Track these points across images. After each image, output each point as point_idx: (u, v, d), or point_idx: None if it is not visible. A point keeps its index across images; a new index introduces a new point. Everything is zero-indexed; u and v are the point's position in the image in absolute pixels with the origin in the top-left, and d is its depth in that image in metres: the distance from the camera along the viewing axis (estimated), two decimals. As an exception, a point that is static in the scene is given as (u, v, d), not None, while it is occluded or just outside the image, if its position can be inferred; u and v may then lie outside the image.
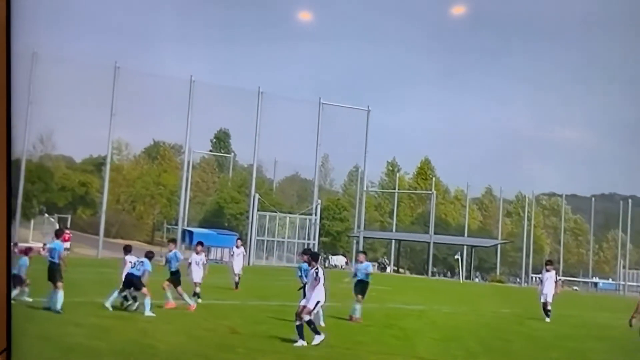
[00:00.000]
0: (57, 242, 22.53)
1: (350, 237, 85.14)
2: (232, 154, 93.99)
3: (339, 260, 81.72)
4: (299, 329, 17.80)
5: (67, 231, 65.04)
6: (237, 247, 36.43)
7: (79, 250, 67.03)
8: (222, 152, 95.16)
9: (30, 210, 64.15)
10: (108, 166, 68.45)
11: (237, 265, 34.88)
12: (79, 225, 73.67)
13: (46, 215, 67.53)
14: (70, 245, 63.28)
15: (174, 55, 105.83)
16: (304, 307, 17.90)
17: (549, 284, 28.57)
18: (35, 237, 61.35)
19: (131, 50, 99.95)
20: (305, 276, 19.49)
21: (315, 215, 75.15)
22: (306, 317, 17.81)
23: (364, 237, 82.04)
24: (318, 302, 18.09)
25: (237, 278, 34.17)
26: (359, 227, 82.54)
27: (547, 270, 29.29)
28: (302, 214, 76.43)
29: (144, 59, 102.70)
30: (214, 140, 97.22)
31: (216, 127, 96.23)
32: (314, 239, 74.15)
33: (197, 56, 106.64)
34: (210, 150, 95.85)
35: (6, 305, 8.32)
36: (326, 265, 79.16)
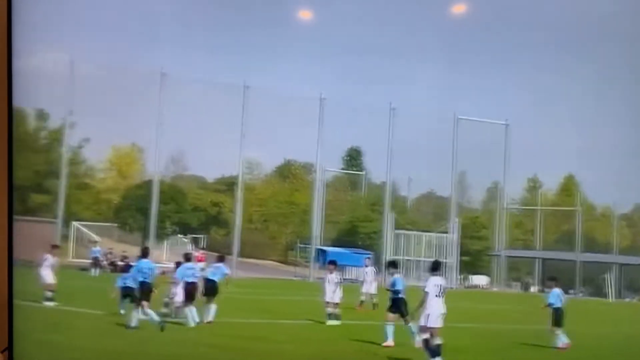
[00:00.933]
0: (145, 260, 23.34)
1: (490, 255, 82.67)
2: (365, 171, 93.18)
3: (480, 280, 79.29)
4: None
5: (202, 252, 66.13)
6: (366, 265, 35.16)
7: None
8: (354, 170, 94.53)
9: (163, 231, 64.90)
10: (240, 186, 69.16)
11: (367, 284, 33.54)
12: (212, 246, 74.12)
13: (180, 235, 68.00)
14: (205, 265, 63.61)
15: (302, 74, 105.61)
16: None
17: None
18: (169, 257, 61.91)
19: (259, 68, 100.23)
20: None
21: (453, 233, 73.59)
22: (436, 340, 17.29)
23: (506, 256, 79.60)
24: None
25: (370, 298, 32.75)
26: (499, 245, 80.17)
27: None
28: (439, 232, 74.79)
29: (272, 77, 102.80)
30: (346, 158, 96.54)
31: (348, 145, 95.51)
32: (453, 258, 72.57)
33: (326, 73, 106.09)
34: (342, 168, 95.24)
35: (7, 305, 8.05)
36: (466, 285, 77.16)
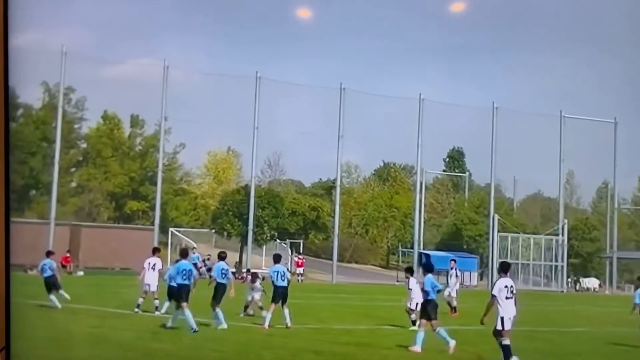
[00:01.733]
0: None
1: (602, 258, 79.60)
2: (468, 173, 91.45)
3: (591, 282, 76.29)
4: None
5: (300, 256, 65.53)
6: (451, 268, 33.14)
7: (313, 275, 66.51)
8: (456, 172, 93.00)
9: (261, 236, 64.31)
10: (338, 189, 68.50)
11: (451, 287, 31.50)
12: (312, 250, 73.65)
13: (278, 240, 67.60)
14: (303, 270, 63.16)
15: (400, 74, 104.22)
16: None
17: None
18: (267, 262, 61.19)
19: (356, 72, 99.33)
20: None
21: (562, 235, 71.29)
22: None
23: (618, 258, 76.60)
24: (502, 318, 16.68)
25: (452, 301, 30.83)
26: (611, 247, 77.20)
27: None
28: (547, 234, 72.68)
29: (369, 80, 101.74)
30: (448, 159, 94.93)
31: (449, 146, 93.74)
32: (562, 261, 70.34)
33: (424, 74, 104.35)
34: (444, 170, 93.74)
35: (5, 304, 8.59)
36: (577, 288, 74.59)
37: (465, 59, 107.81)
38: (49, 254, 29.25)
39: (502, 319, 16.60)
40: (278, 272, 23.48)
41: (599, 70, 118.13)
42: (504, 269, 17.74)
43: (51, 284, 27.04)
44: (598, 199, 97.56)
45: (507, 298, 16.68)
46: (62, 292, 27.27)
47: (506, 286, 16.82)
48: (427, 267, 21.69)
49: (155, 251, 29.59)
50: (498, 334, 16.68)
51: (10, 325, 8.23)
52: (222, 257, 24.83)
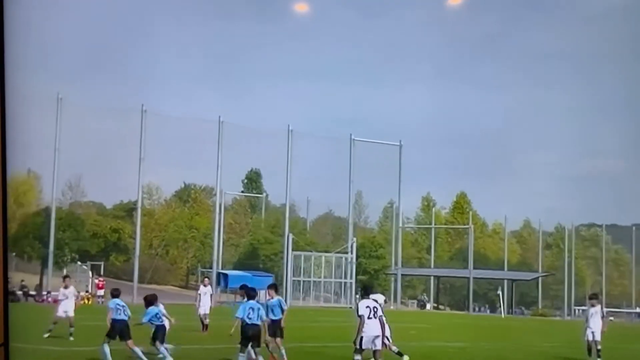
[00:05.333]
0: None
1: (388, 274, 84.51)
2: (265, 194, 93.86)
3: (378, 298, 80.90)
4: None
5: (101, 279, 65.74)
6: (204, 285, 34.04)
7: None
8: (254, 193, 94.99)
9: (62, 258, 64.74)
10: (139, 211, 69.02)
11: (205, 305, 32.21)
12: (112, 272, 73.92)
13: (79, 263, 67.82)
14: (104, 292, 63.46)
15: (199, 97, 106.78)
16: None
17: (596, 320, 26.05)
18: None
19: (155, 93, 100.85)
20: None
21: (351, 253, 74.87)
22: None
23: (402, 275, 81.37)
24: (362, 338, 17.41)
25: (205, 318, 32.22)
26: (396, 264, 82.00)
27: (593, 305, 26.59)
28: (337, 252, 76.21)
29: (169, 101, 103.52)
30: (246, 180, 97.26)
31: (247, 168, 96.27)
32: (351, 278, 73.82)
33: (223, 96, 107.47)
34: (242, 191, 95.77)
35: (3, 300, 8.42)
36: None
37: (262, 82, 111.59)
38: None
39: (361, 338, 17.13)
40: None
41: (390, 94, 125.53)
42: (367, 290, 19.09)
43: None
44: (384, 218, 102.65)
45: (368, 318, 17.11)
46: None
47: (368, 307, 17.29)
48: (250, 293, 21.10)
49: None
50: (358, 352, 17.17)
51: (8, 321, 8.28)
52: (115, 294, 23.24)
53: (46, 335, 25.53)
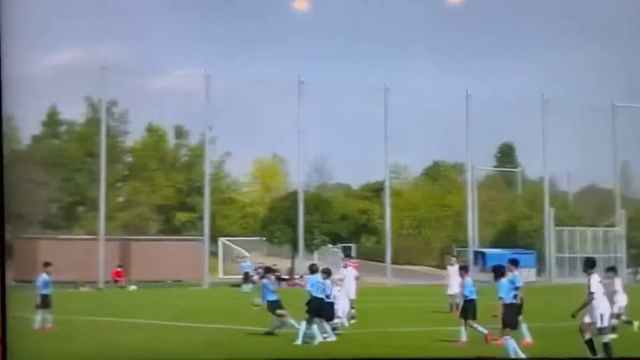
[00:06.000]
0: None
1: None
2: (520, 168, 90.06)
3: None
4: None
5: (353, 261, 64.75)
6: (452, 265, 32.48)
7: (367, 279, 65.99)
8: (508, 167, 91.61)
9: (312, 241, 64.05)
10: (387, 191, 67.78)
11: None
12: (364, 254, 73.02)
13: (329, 245, 67.23)
14: (358, 274, 62.30)
15: (444, 73, 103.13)
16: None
17: None
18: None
19: (396, 68, 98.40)
20: None
21: (621, 226, 70.07)
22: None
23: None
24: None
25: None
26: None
27: None
28: (605, 226, 71.34)
29: (412, 78, 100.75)
30: (499, 155, 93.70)
31: (499, 142, 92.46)
32: (622, 252, 68.92)
33: (470, 71, 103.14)
34: (495, 166, 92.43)
35: (1, 297, 8.62)
36: (637, 279, 73.08)
37: (509, 54, 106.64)
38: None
39: (601, 315, 16.97)
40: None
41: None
42: (592, 265, 17.99)
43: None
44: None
45: (603, 294, 17.23)
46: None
47: (600, 282, 17.31)
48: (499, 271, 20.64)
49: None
50: (587, 328, 17.03)
51: (6, 319, 8.30)
52: (314, 269, 23.47)
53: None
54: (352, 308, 27.61)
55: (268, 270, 27.79)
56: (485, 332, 21.10)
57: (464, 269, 24.49)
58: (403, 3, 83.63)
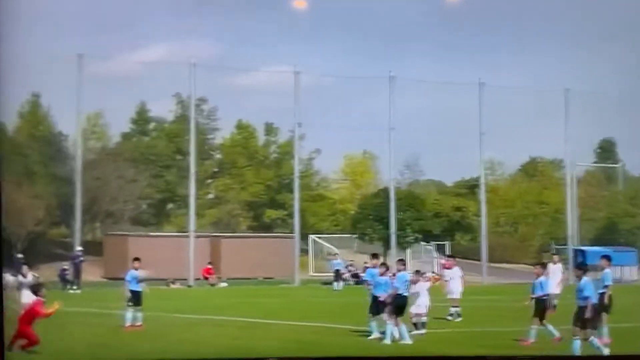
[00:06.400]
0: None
1: None
2: (621, 163, 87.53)
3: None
4: None
5: (452, 258, 63.92)
6: (554, 263, 31.15)
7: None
8: (608, 163, 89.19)
9: (404, 239, 63.30)
10: (482, 188, 66.69)
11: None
12: (458, 252, 71.78)
13: (422, 243, 66.38)
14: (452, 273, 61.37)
15: (536, 66, 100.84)
16: None
17: None
18: (413, 266, 60.17)
19: (491, 64, 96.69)
20: None
21: None
22: None
23: None
24: None
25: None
26: None
27: None
28: None
29: (506, 72, 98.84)
30: (599, 150, 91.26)
31: (599, 137, 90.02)
32: None
33: (568, 63, 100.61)
34: (595, 162, 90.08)
35: None
36: None
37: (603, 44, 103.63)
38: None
39: None
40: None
41: None
42: None
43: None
44: None
45: None
46: None
47: None
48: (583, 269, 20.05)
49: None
50: None
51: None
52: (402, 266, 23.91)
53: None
54: (457, 307, 28.29)
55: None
56: (557, 334, 20.98)
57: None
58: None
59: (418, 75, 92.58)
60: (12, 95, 68.26)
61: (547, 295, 22.34)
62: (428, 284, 25.75)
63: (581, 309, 18.46)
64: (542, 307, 21.63)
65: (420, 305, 23.69)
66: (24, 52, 61.99)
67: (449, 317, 27.63)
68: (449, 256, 31.77)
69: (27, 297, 23.84)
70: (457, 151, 76.79)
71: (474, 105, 65.19)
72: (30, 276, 28.03)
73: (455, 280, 28.87)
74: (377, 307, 22.09)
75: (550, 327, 21.21)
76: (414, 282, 23.97)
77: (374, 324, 22.25)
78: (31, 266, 49.74)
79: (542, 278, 22.22)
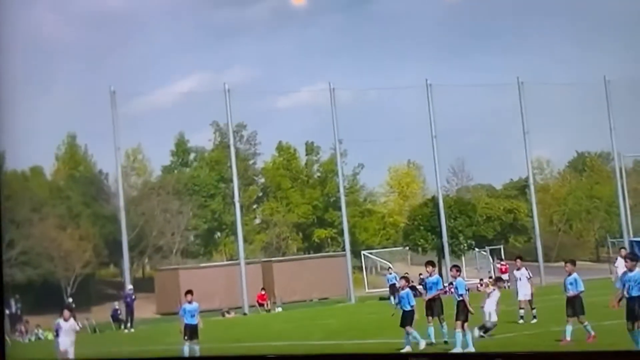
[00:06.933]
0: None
1: None
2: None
3: None
4: None
5: (503, 262, 63.33)
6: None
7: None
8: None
9: (458, 247, 62.82)
10: (532, 188, 66.02)
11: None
12: (514, 254, 71.15)
13: (476, 249, 65.94)
14: (509, 276, 60.55)
15: (576, 60, 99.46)
16: None
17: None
18: (469, 273, 59.50)
19: (528, 63, 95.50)
20: None
21: None
22: None
23: None
24: None
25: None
26: None
27: None
28: None
29: (545, 69, 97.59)
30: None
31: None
32: None
33: (609, 55, 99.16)
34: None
35: None
36: None
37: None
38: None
39: None
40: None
41: None
42: None
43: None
44: None
45: None
46: None
47: None
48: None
49: None
50: None
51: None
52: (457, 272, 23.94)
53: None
54: (533, 308, 29.90)
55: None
56: (592, 333, 21.45)
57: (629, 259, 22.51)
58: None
59: (455, 80, 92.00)
60: (48, 138, 68.96)
61: (582, 292, 21.69)
62: (497, 294, 25.51)
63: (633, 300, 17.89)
64: (579, 304, 22.09)
65: (490, 311, 23.78)
66: (57, 92, 62.76)
67: (520, 321, 27.39)
68: (516, 258, 31.64)
69: (63, 344, 23.45)
70: (503, 153, 75.88)
71: (515, 106, 64.70)
72: (72, 321, 27.35)
73: (524, 282, 28.63)
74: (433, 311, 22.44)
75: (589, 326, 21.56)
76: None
77: (431, 330, 22.46)
78: (82, 309, 50.10)
79: (574, 275, 22.78)
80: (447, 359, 18.97)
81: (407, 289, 25.41)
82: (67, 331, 24.49)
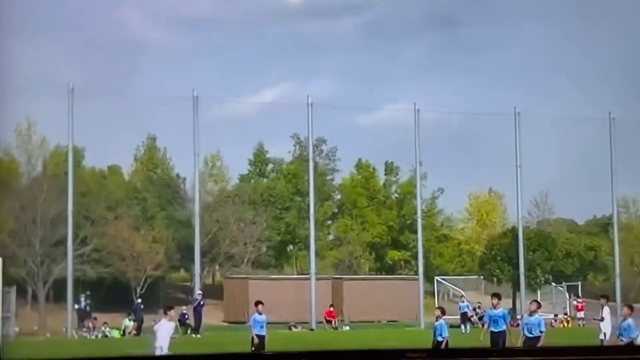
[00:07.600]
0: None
1: None
2: None
3: None
4: None
5: (579, 300, 61.86)
6: None
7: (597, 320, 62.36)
8: None
9: (534, 280, 61.16)
10: (616, 227, 64.13)
11: None
12: (591, 292, 69.32)
13: (553, 284, 64.32)
14: (584, 314, 58.91)
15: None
16: None
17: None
18: (543, 308, 57.67)
19: (620, 97, 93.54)
20: None
21: None
22: None
23: None
24: None
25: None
26: None
27: None
28: None
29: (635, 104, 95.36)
30: None
31: None
32: None
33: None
34: None
35: None
36: None
37: None
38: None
39: None
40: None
41: None
42: None
43: None
44: None
45: None
46: None
47: None
48: None
49: None
50: None
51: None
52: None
53: None
54: None
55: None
56: None
57: None
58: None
59: (545, 110, 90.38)
60: (127, 139, 69.59)
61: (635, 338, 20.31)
62: None
63: None
64: None
65: None
66: (138, 96, 63.28)
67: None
68: (601, 296, 29.89)
69: (162, 340, 23.18)
70: (588, 188, 74.32)
71: (604, 140, 62.60)
72: (172, 322, 26.47)
73: (607, 321, 27.46)
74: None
75: None
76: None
77: None
78: (150, 310, 50.17)
79: (629, 320, 20.58)
80: (444, 355, 17.92)
81: (442, 320, 24.69)
82: (168, 330, 24.29)
